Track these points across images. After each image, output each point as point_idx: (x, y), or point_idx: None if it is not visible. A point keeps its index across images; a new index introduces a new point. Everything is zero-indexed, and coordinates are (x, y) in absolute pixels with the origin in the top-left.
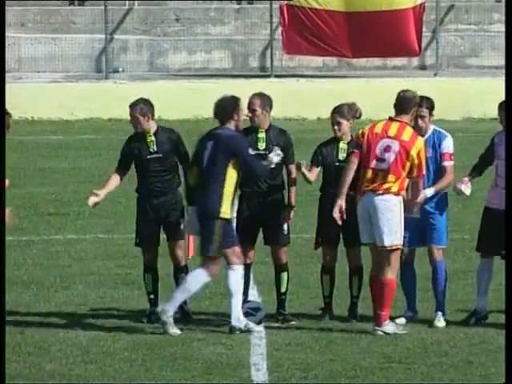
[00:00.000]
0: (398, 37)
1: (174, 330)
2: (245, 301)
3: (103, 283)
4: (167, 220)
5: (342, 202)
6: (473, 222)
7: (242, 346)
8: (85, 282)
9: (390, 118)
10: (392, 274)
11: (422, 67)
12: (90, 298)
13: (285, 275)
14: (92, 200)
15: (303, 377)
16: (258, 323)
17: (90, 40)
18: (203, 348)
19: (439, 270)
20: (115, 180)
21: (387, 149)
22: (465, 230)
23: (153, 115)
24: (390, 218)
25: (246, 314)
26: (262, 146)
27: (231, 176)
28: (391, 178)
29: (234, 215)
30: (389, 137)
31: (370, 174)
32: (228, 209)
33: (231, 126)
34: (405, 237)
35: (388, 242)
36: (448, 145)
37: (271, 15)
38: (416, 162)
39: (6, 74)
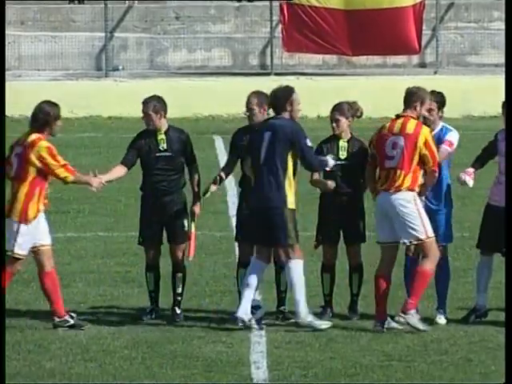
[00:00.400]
0: (398, 35)
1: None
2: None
3: (103, 281)
4: (171, 220)
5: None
6: (473, 220)
7: (242, 343)
8: (85, 279)
9: (397, 116)
10: (431, 264)
11: (422, 65)
12: (89, 296)
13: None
14: (96, 181)
15: (303, 375)
16: (258, 321)
17: (89, 38)
18: (203, 346)
19: (443, 267)
20: (120, 170)
21: (394, 146)
22: (465, 228)
23: (165, 113)
24: (407, 213)
25: None
26: None
27: (290, 166)
28: (401, 174)
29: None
30: (394, 134)
31: (384, 174)
32: (293, 199)
33: (286, 115)
34: None
35: (410, 237)
36: (452, 135)
37: (271, 13)
38: (425, 151)
39: (6, 72)
